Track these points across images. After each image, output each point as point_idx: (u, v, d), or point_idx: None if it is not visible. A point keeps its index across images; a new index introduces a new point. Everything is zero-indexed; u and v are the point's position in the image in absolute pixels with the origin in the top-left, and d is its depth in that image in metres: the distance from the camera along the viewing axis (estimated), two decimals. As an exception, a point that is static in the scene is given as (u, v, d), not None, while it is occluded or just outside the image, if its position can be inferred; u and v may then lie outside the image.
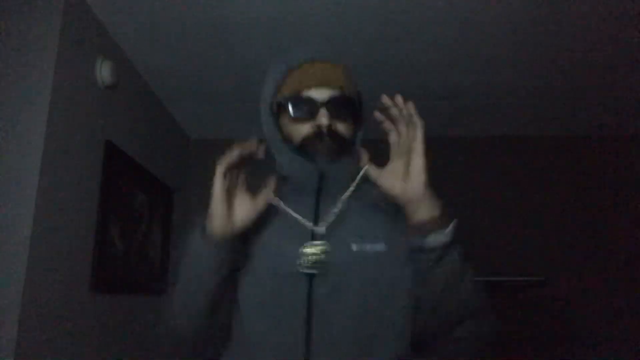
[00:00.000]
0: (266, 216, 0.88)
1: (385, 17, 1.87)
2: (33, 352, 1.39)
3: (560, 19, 1.88)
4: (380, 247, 0.84)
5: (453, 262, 0.77)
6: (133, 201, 2.15)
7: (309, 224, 0.84)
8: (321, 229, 0.83)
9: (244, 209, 0.81)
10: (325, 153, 0.86)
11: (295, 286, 0.81)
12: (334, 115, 0.86)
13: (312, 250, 0.81)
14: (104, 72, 1.83)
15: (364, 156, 0.84)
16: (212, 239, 0.79)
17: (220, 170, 0.79)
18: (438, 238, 0.76)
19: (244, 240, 0.86)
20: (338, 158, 0.87)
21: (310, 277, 0.81)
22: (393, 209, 0.85)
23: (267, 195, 0.83)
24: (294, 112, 0.87)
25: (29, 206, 1.42)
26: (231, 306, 0.86)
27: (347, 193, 0.85)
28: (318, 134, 0.86)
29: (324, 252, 0.81)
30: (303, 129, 0.87)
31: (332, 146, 0.85)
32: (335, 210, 0.84)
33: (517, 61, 2.21)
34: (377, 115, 0.81)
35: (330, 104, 0.86)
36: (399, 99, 0.77)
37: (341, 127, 0.88)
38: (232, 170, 0.80)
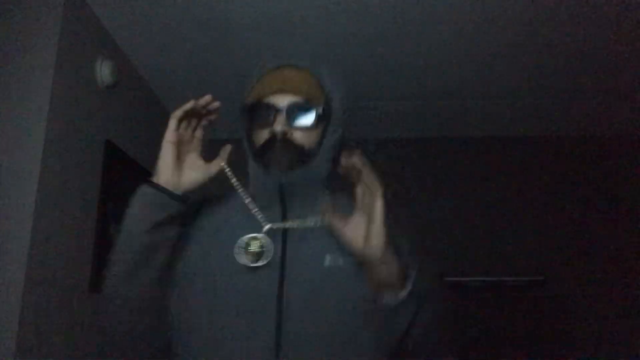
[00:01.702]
0: (222, 204, 0.89)
1: (385, 17, 1.87)
2: (33, 352, 1.39)
3: (560, 19, 1.88)
4: (350, 261, 0.81)
5: (412, 314, 0.77)
6: (133, 201, 2.15)
7: (262, 220, 0.83)
8: (267, 226, 0.82)
9: (195, 170, 0.81)
10: (278, 162, 0.83)
11: (265, 298, 0.80)
12: (291, 122, 0.83)
13: (255, 244, 0.81)
14: (104, 72, 1.83)
15: (328, 208, 0.79)
16: (157, 187, 0.78)
17: (173, 119, 0.79)
18: (394, 296, 0.75)
19: (193, 214, 0.87)
20: (293, 168, 0.83)
21: (280, 291, 0.80)
22: None
23: (220, 162, 0.83)
24: (253, 118, 0.87)
25: (29, 206, 1.42)
26: (170, 272, 0.83)
27: (306, 223, 0.83)
28: (272, 140, 0.83)
29: (262, 245, 0.80)
30: (262, 136, 0.85)
31: (286, 154, 0.82)
32: (300, 223, 0.83)
33: (517, 61, 2.21)
34: (341, 171, 0.78)
35: (288, 110, 0.83)
36: (357, 159, 0.74)
37: (299, 135, 0.84)
38: (188, 125, 0.82)
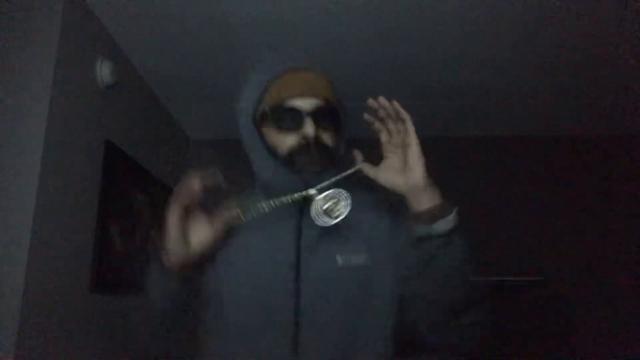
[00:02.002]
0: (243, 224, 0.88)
1: (385, 17, 1.87)
2: (33, 352, 1.39)
3: (560, 19, 1.88)
4: (363, 259, 0.83)
5: (459, 247, 0.77)
6: (133, 201, 2.15)
7: (301, 192, 0.81)
8: (314, 191, 0.80)
9: (201, 236, 0.80)
10: (312, 165, 0.82)
11: (282, 296, 0.81)
12: (319, 125, 0.84)
13: (323, 202, 0.79)
14: (104, 72, 1.83)
15: (358, 157, 0.83)
16: (167, 268, 0.79)
17: (175, 208, 0.77)
18: (444, 224, 0.76)
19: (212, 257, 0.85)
20: (324, 169, 0.83)
21: (297, 286, 0.81)
22: (378, 218, 0.88)
23: (227, 218, 0.81)
24: (278, 123, 0.84)
25: (29, 206, 1.42)
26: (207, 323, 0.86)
27: (332, 180, 0.81)
28: (304, 145, 0.83)
29: (337, 200, 0.79)
30: (288, 140, 0.84)
31: (319, 157, 0.83)
32: (331, 180, 0.81)
33: (517, 61, 2.21)
34: (366, 117, 0.82)
35: (315, 113, 0.83)
36: (383, 99, 0.80)
37: (326, 138, 0.86)
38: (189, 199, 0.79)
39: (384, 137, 0.83)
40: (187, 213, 0.79)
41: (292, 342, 0.79)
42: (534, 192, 2.98)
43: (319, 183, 0.83)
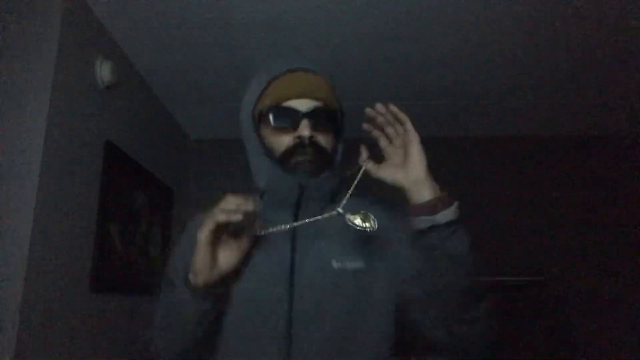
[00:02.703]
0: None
1: (385, 17, 1.87)
2: (33, 352, 1.39)
3: (560, 19, 1.88)
4: (358, 264, 0.83)
5: (461, 240, 0.78)
6: (133, 201, 2.15)
7: (297, 194, 0.85)
8: (340, 211, 0.79)
9: (229, 253, 0.78)
10: (306, 165, 0.83)
11: (275, 300, 0.81)
12: (316, 126, 0.84)
13: (356, 217, 0.78)
14: (104, 72, 1.83)
15: (364, 153, 0.84)
16: (195, 289, 0.77)
17: (212, 223, 0.74)
18: (446, 215, 0.76)
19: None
20: (320, 171, 0.84)
21: (290, 296, 0.81)
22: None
23: (252, 234, 0.80)
24: (275, 122, 0.84)
25: (29, 206, 1.42)
26: (211, 341, 0.85)
27: (350, 191, 0.82)
28: (299, 145, 0.83)
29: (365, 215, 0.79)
30: (284, 140, 0.84)
31: (314, 158, 0.83)
32: (347, 196, 0.81)
33: (517, 61, 2.21)
34: (365, 127, 0.84)
35: (312, 115, 0.83)
36: (380, 106, 0.82)
37: (323, 139, 0.85)
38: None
39: (382, 142, 0.85)
40: (217, 234, 0.77)
41: (286, 348, 0.79)
42: (534, 192, 2.98)
43: (314, 184, 0.84)
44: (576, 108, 2.70)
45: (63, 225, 1.57)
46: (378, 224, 0.82)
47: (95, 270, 1.75)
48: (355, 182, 0.83)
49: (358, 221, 0.77)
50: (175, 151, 2.79)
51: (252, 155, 0.89)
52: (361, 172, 0.83)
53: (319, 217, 0.80)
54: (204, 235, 0.75)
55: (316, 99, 0.85)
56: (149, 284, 2.28)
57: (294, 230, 0.85)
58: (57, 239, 1.53)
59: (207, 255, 0.75)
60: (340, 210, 0.79)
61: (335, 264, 0.83)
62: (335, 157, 0.89)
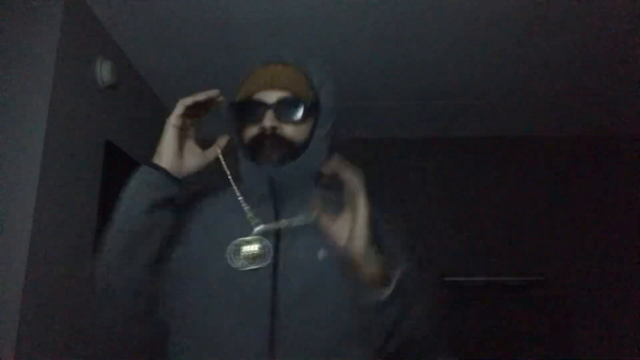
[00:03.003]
0: (215, 199, 0.90)
1: (385, 17, 1.87)
2: (33, 352, 1.39)
3: (560, 19, 1.88)
4: (325, 256, 0.82)
5: (394, 310, 0.75)
6: (133, 201, 2.15)
7: (254, 220, 0.82)
8: (258, 227, 0.81)
9: (193, 155, 0.85)
10: (268, 155, 0.84)
11: (258, 291, 0.79)
12: (281, 117, 0.85)
13: (249, 248, 0.80)
14: (104, 72, 1.83)
15: (317, 204, 0.78)
16: (157, 166, 0.81)
17: (181, 105, 0.82)
18: (377, 295, 0.73)
19: (187, 205, 0.88)
20: (284, 161, 0.84)
21: (274, 282, 0.80)
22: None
23: (217, 150, 0.86)
24: (242, 116, 0.88)
25: (29, 206, 1.42)
26: (163, 261, 0.83)
27: (295, 222, 0.81)
28: (261, 135, 0.85)
29: (261, 248, 0.80)
30: (251, 132, 0.87)
31: (276, 148, 0.84)
32: (296, 219, 0.82)
33: (517, 61, 2.21)
34: (324, 177, 0.83)
35: (278, 106, 0.85)
36: (334, 164, 0.74)
37: (289, 130, 0.86)
38: (189, 115, 0.84)
39: (345, 189, 0.76)
40: (184, 132, 0.84)
41: (269, 341, 0.77)
42: (534, 192, 2.98)
43: (279, 174, 0.85)
44: (576, 108, 2.70)
45: (63, 225, 1.57)
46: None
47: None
48: (297, 222, 0.81)
49: (246, 249, 0.80)
50: (175, 151, 2.79)
51: (237, 150, 0.92)
52: (311, 219, 0.79)
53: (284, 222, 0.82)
54: (173, 118, 0.82)
55: (283, 89, 0.86)
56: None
57: (277, 218, 0.84)
58: (57, 239, 1.53)
59: (174, 142, 0.82)
60: (258, 230, 0.81)
61: (320, 255, 0.82)
62: (304, 147, 0.87)
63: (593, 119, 2.84)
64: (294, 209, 0.84)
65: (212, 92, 0.84)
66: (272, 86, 0.87)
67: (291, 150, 0.85)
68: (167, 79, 2.33)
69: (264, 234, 0.82)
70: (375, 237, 0.76)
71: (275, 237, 0.83)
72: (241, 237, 0.82)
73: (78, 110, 1.69)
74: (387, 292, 0.73)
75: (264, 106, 0.85)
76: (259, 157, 0.85)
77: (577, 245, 2.86)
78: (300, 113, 0.86)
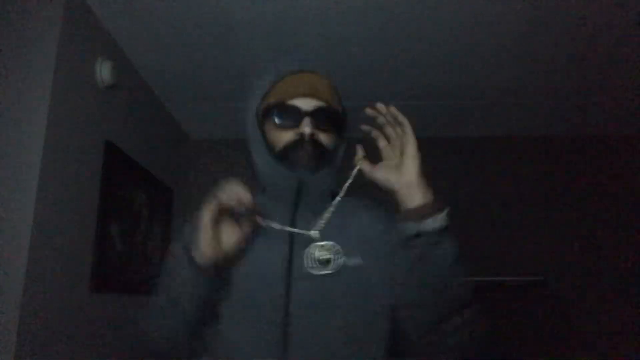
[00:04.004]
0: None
1: (385, 17, 1.87)
2: (33, 352, 1.39)
3: (560, 19, 1.88)
4: (357, 261, 0.85)
5: (449, 247, 0.77)
6: (133, 201, 2.15)
7: (306, 232, 0.85)
8: (315, 233, 0.85)
9: (231, 237, 0.81)
10: (305, 161, 0.86)
11: (273, 297, 0.82)
12: (317, 125, 0.88)
13: (321, 252, 0.83)
14: (104, 72, 1.83)
15: (359, 152, 0.86)
16: (199, 265, 0.79)
17: (212, 208, 0.78)
18: (434, 222, 0.76)
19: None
20: (318, 168, 0.87)
21: (288, 289, 0.82)
22: (370, 221, 0.90)
23: (253, 221, 0.82)
24: (278, 120, 0.88)
25: (29, 206, 1.42)
26: (209, 328, 0.85)
27: (342, 192, 0.87)
28: (300, 141, 0.87)
29: (336, 252, 0.84)
30: (286, 137, 0.88)
31: (313, 155, 0.86)
32: (327, 214, 0.87)
33: (517, 61, 2.21)
34: (364, 128, 0.85)
35: (315, 114, 0.87)
36: (381, 105, 0.82)
37: (324, 138, 0.89)
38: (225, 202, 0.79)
39: (381, 143, 0.85)
40: (219, 216, 0.80)
41: (283, 343, 0.79)
42: (534, 192, 2.98)
43: (312, 180, 0.87)
44: (576, 108, 2.70)
45: (63, 225, 1.57)
46: (375, 227, 0.86)
47: (95, 270, 1.75)
48: (349, 181, 0.87)
49: (318, 254, 0.83)
50: (175, 151, 2.80)
51: (256, 151, 0.93)
52: (355, 171, 0.85)
53: (293, 229, 0.85)
54: (207, 213, 0.78)
55: (319, 99, 0.89)
56: (149, 283, 2.28)
57: (291, 225, 0.87)
58: (57, 239, 1.53)
59: (210, 234, 0.78)
60: (315, 234, 0.84)
61: (352, 261, 0.84)
62: (335, 156, 0.92)
63: (593, 119, 2.84)
64: (309, 213, 0.88)
65: (244, 200, 0.79)
66: (309, 94, 0.89)
67: (325, 157, 0.89)
68: (167, 79, 2.33)
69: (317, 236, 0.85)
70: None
71: (290, 241, 0.86)
72: (278, 258, 0.84)
73: (78, 110, 1.69)
74: (445, 218, 0.77)
75: (302, 112, 0.87)
76: (294, 161, 0.87)
77: (577, 245, 2.86)
78: (335, 122, 0.91)
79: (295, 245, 0.85)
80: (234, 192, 0.78)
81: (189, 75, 2.31)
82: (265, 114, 0.91)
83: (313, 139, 0.86)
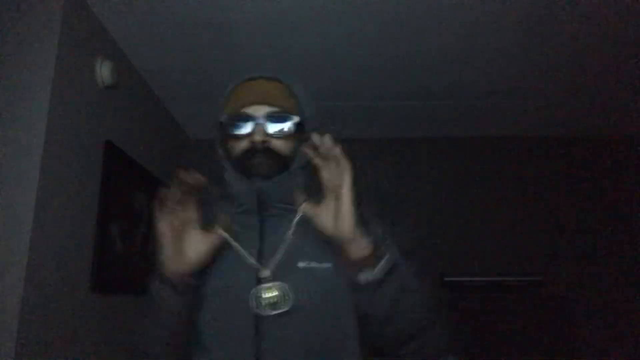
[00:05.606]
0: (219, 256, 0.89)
1: (385, 17, 1.87)
2: (33, 352, 1.39)
3: (560, 19, 1.88)
4: (326, 265, 0.85)
5: (394, 283, 0.78)
6: (133, 201, 2.15)
7: (255, 265, 0.84)
8: (266, 272, 0.83)
9: (196, 246, 0.80)
10: (259, 169, 0.86)
11: (243, 300, 0.82)
12: (270, 131, 0.87)
13: (268, 294, 0.81)
14: (104, 72, 1.83)
15: (300, 197, 0.82)
16: (168, 281, 0.80)
17: (160, 213, 0.78)
18: (369, 276, 0.77)
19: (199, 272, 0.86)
20: (273, 174, 0.87)
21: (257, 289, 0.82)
22: (323, 253, 0.88)
23: (220, 231, 0.82)
24: (232, 129, 0.88)
25: (29, 206, 1.42)
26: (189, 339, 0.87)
27: (290, 233, 0.85)
28: (252, 150, 0.86)
29: (282, 293, 0.81)
30: (240, 146, 0.88)
31: (267, 162, 0.86)
32: (282, 250, 0.85)
33: (517, 61, 2.21)
34: (307, 151, 0.79)
35: (266, 120, 0.86)
36: (327, 139, 0.75)
37: (278, 144, 0.88)
38: (178, 207, 0.79)
39: (324, 174, 0.78)
40: (181, 224, 0.79)
41: (255, 347, 0.80)
42: (534, 192, 2.98)
43: (269, 186, 0.87)
44: (576, 108, 2.70)
45: (63, 225, 1.57)
46: (327, 259, 0.85)
47: (95, 270, 1.75)
48: (295, 221, 0.85)
49: (266, 295, 0.81)
50: (175, 151, 2.79)
51: (223, 164, 0.93)
52: (297, 217, 0.85)
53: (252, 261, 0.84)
54: (157, 225, 0.79)
55: (272, 105, 0.88)
56: (149, 283, 2.28)
57: (260, 232, 0.88)
58: (57, 239, 1.53)
59: (170, 248, 0.79)
60: (266, 274, 0.83)
61: (300, 264, 0.85)
62: (292, 161, 0.89)
63: (593, 119, 2.84)
64: (276, 224, 0.88)
65: (189, 180, 0.78)
66: (259, 101, 0.88)
67: (280, 163, 0.88)
68: (167, 79, 2.33)
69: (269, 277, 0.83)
70: (363, 223, 0.79)
71: (259, 247, 0.86)
72: (246, 279, 0.84)
73: (78, 110, 1.69)
74: (379, 270, 0.77)
75: (253, 120, 0.87)
76: (249, 169, 0.87)
77: (577, 245, 2.86)
78: (288, 127, 0.88)
79: (264, 251, 0.86)
80: (178, 187, 0.77)
81: (189, 75, 2.31)
82: (222, 125, 0.90)
83: (265, 147, 0.86)
